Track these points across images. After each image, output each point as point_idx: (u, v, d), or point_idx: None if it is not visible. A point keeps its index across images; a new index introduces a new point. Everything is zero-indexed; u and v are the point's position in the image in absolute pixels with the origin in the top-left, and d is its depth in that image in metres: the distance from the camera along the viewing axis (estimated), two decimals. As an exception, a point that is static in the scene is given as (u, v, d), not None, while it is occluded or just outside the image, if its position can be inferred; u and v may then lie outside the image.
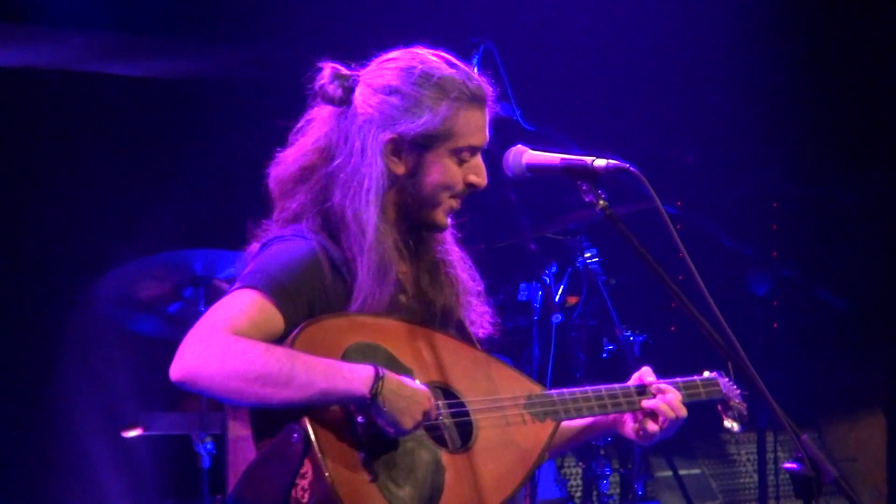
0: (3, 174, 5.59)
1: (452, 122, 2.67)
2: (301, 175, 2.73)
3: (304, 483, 2.43)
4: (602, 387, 2.90)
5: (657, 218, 2.54)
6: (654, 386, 2.94)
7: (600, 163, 2.59)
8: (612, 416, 2.95)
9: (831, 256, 6.84)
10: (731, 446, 6.62)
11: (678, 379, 3.01)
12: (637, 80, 6.40)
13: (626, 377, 2.98)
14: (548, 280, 5.07)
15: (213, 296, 4.76)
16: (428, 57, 2.72)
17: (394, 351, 2.61)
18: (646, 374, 2.97)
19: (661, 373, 3.00)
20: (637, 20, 6.13)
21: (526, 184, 2.89)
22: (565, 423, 2.90)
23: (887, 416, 6.88)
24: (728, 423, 3.06)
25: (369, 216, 2.64)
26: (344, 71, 2.73)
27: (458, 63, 2.73)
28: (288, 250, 2.63)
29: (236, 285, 2.57)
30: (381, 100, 2.68)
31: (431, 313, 2.77)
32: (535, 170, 2.69)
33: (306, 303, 2.58)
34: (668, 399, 2.91)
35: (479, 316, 2.87)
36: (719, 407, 3.07)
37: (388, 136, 2.66)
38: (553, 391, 2.83)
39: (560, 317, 5.02)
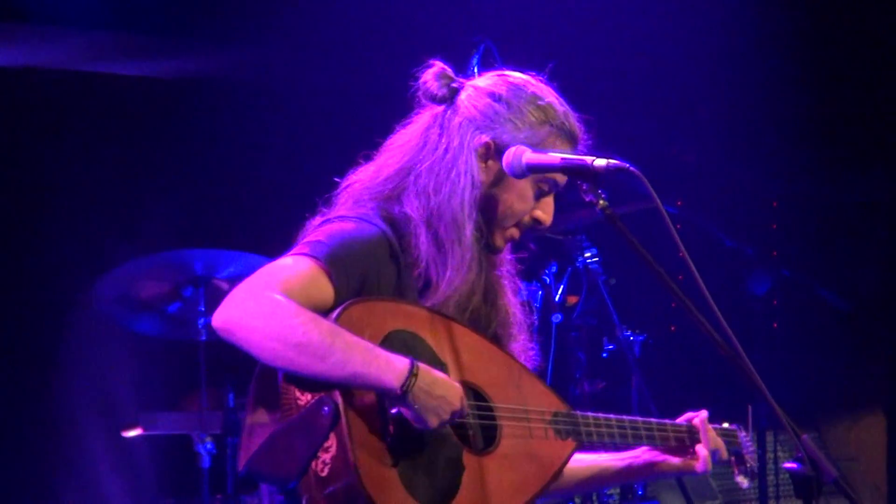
0: (3, 174, 5.59)
1: (548, 150, 2.70)
2: (395, 170, 2.74)
3: (327, 457, 2.43)
4: (626, 417, 2.95)
5: (657, 218, 2.53)
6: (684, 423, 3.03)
7: (600, 162, 2.58)
8: (644, 459, 3.03)
9: (831, 256, 6.84)
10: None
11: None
12: (637, 79, 6.39)
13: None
14: (548, 280, 5.08)
15: (213, 295, 4.76)
16: (539, 84, 2.80)
17: (432, 344, 2.62)
18: (702, 421, 3.03)
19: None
20: (637, 19, 6.13)
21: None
22: (604, 463, 2.98)
23: (887, 416, 6.87)
24: (740, 479, 3.14)
25: (467, 215, 2.68)
26: (450, 72, 2.78)
27: (562, 100, 2.80)
28: (351, 229, 2.64)
29: (294, 251, 2.57)
30: (487, 104, 2.73)
31: (479, 326, 2.78)
32: (535, 169, 2.68)
33: (359, 282, 2.58)
34: (718, 440, 3.03)
35: (524, 351, 2.89)
36: (733, 459, 3.15)
37: (484, 138, 2.71)
38: (578, 412, 2.86)
39: (560, 317, 5.02)
